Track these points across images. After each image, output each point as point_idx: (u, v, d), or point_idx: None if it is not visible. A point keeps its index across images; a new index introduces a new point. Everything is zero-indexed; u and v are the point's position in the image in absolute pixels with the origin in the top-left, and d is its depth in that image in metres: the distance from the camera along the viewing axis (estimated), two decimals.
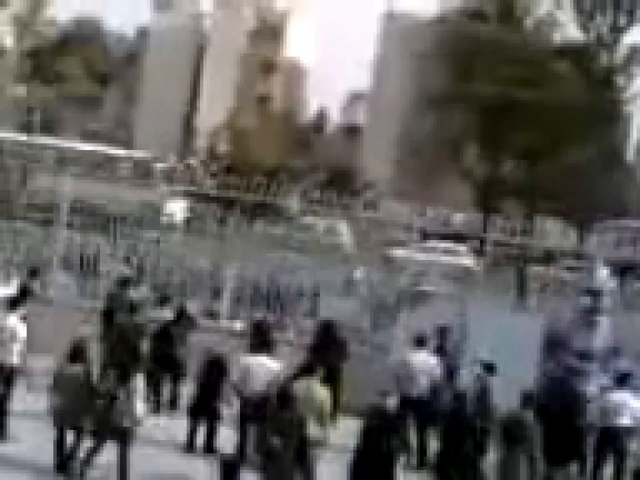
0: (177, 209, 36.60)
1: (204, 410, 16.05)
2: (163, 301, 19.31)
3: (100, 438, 13.68)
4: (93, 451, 13.70)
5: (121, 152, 58.33)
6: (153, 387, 17.42)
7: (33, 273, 20.23)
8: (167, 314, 18.55)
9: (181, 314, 18.32)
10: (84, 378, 13.83)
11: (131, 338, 17.23)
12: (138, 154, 57.93)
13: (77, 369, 13.89)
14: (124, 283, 19.50)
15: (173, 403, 17.77)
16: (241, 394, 15.30)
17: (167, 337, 17.85)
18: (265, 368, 15.33)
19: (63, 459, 13.75)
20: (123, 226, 23.55)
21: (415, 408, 16.44)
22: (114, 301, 18.94)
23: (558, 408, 14.57)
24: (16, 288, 18.75)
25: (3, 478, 13.45)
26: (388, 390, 13.86)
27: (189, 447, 15.96)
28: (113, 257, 23.34)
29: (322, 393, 14.01)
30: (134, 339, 17.22)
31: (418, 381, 16.84)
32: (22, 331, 15.33)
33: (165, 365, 17.70)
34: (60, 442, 13.78)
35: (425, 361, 17.02)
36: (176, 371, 17.75)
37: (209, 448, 15.94)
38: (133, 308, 18.14)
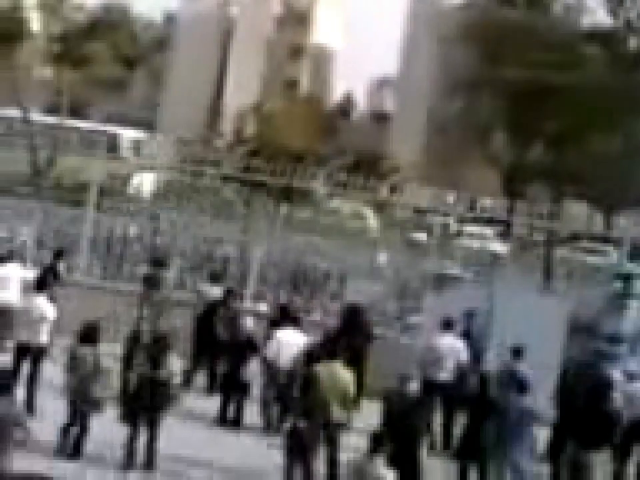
0: (146, 181, 36.48)
1: (234, 385, 16.38)
2: (214, 278, 19.57)
3: (133, 421, 13.62)
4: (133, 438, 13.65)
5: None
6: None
7: (59, 254, 20.19)
8: (216, 291, 18.79)
9: (229, 294, 18.39)
10: (94, 360, 13.75)
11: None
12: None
13: (88, 350, 13.81)
14: (158, 263, 19.55)
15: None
16: (273, 368, 15.68)
17: (212, 317, 17.90)
18: (295, 341, 15.95)
19: (75, 441, 13.73)
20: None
21: (440, 391, 16.44)
22: (150, 282, 18.84)
23: (585, 392, 14.45)
24: (42, 271, 18.89)
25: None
26: (408, 374, 13.79)
27: (221, 420, 16.37)
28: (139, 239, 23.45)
29: (345, 376, 13.96)
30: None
31: (444, 364, 16.80)
32: (50, 311, 15.48)
33: (208, 344, 17.80)
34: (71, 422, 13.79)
35: (452, 345, 16.97)
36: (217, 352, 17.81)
37: (237, 422, 16.35)
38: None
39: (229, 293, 18.42)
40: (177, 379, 13.78)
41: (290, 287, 21.75)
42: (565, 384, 15.41)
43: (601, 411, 14.05)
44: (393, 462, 11.64)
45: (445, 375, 16.68)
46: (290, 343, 15.98)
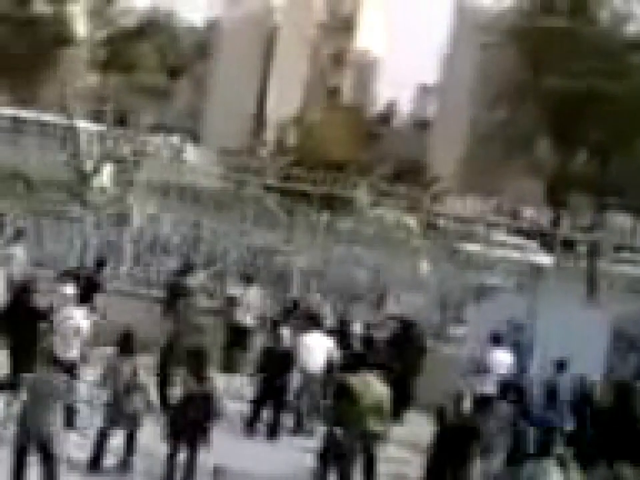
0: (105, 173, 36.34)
1: (272, 394, 16.40)
2: (248, 279, 19.68)
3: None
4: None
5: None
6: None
7: (100, 264, 20.14)
8: (252, 294, 18.85)
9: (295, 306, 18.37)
10: (131, 372, 13.50)
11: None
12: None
13: (126, 361, 13.53)
14: (184, 270, 19.49)
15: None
16: (305, 371, 15.81)
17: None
18: (321, 344, 16.19)
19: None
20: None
21: (488, 406, 16.32)
22: (174, 289, 18.75)
23: (629, 405, 14.36)
24: (83, 282, 18.90)
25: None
26: (462, 391, 13.73)
27: (252, 428, 16.36)
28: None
29: (380, 389, 13.95)
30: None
31: (493, 379, 16.68)
32: (85, 326, 15.30)
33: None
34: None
35: (502, 360, 16.88)
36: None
37: (273, 433, 16.27)
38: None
39: (294, 304, 18.42)
40: (220, 393, 13.66)
41: (332, 297, 21.75)
42: (616, 397, 15.27)
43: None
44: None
45: (491, 389, 16.57)
46: (315, 347, 16.12)
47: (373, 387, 13.89)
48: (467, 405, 13.39)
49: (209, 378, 13.31)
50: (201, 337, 16.83)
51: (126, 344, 13.73)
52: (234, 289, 20.04)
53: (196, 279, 19.85)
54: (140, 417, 13.47)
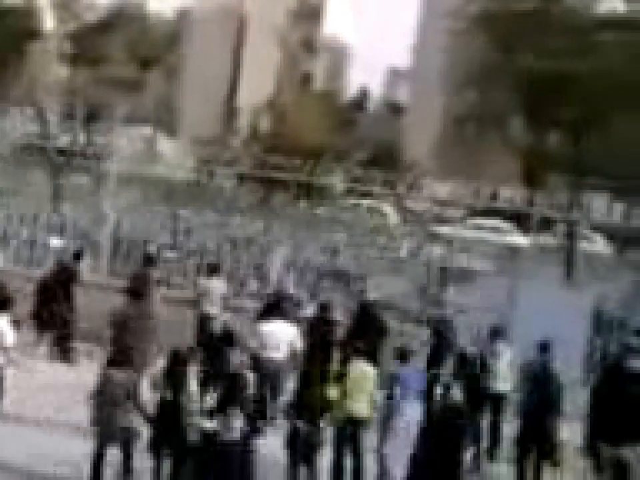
0: None
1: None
2: (213, 270, 19.46)
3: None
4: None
5: None
6: None
7: (77, 256, 19.67)
8: (217, 284, 18.64)
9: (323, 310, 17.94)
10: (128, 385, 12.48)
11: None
12: None
13: (121, 374, 12.58)
14: (149, 261, 19.24)
15: None
16: (259, 360, 15.41)
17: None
18: (284, 332, 15.81)
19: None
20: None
21: (492, 402, 16.12)
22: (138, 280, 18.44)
23: (618, 386, 14.25)
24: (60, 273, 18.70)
25: None
26: (450, 382, 13.62)
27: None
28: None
29: (371, 372, 14.00)
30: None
31: (498, 377, 16.24)
32: (9, 336, 13.65)
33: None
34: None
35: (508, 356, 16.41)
36: None
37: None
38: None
39: (322, 308, 18.06)
40: (197, 404, 12.36)
41: (311, 284, 21.69)
42: (601, 378, 15.16)
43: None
44: (434, 465, 11.59)
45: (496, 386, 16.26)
46: (277, 335, 15.80)
47: (366, 372, 13.88)
48: (456, 394, 13.24)
49: (186, 386, 12.37)
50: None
51: (124, 357, 12.97)
52: (204, 280, 19.75)
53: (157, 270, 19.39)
54: (137, 433, 12.52)
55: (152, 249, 22.11)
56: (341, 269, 22.05)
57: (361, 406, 13.82)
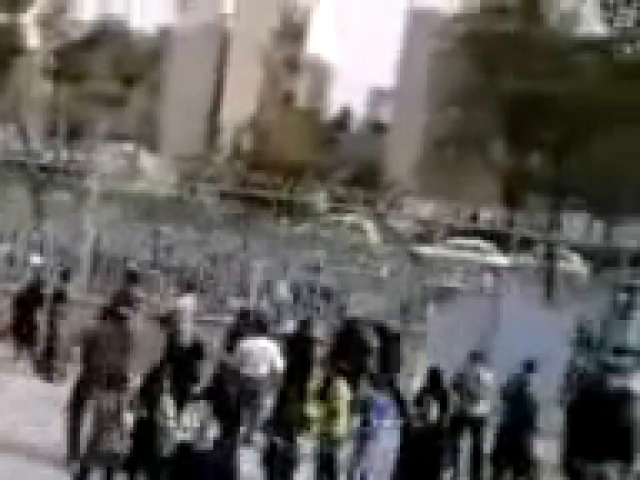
0: None
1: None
2: (188, 287, 19.37)
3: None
4: None
5: None
6: None
7: (65, 275, 19.71)
8: (187, 301, 18.55)
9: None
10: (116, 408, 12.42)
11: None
12: None
13: (112, 397, 12.46)
14: (132, 277, 19.17)
15: None
16: (238, 376, 15.39)
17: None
18: (264, 349, 15.68)
19: None
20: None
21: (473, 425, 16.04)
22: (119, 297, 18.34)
23: (595, 404, 14.30)
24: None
25: None
26: (429, 400, 13.50)
27: None
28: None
29: (345, 392, 13.96)
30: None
31: (479, 399, 16.16)
32: None
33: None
34: None
35: (487, 380, 16.34)
36: None
37: None
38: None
39: (303, 325, 17.96)
40: (172, 422, 12.33)
41: (292, 303, 21.71)
42: (580, 397, 15.19)
43: (618, 424, 13.84)
44: None
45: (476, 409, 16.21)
46: (258, 353, 15.67)
47: (341, 390, 13.85)
48: (434, 412, 13.15)
49: (161, 403, 12.32)
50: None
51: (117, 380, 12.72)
52: (175, 297, 19.64)
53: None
54: (119, 454, 12.33)
55: (132, 265, 22.06)
56: (321, 286, 22.07)
57: (338, 426, 13.76)
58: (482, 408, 15.95)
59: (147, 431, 12.08)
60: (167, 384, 12.56)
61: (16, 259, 22.71)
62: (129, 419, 12.27)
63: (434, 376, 15.59)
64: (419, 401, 13.94)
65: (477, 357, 16.34)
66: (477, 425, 15.91)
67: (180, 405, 14.80)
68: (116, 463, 12.22)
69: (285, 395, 13.71)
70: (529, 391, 15.21)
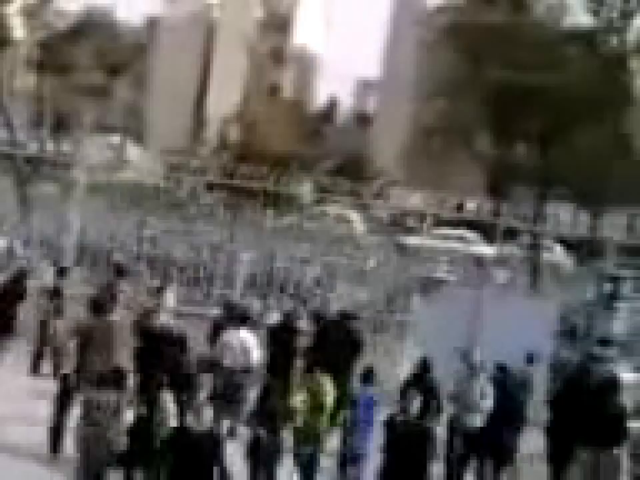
0: None
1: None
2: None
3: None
4: None
5: None
6: None
7: (62, 272, 19.28)
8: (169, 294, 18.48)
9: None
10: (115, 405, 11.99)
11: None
12: None
13: (110, 395, 12.01)
14: (119, 271, 18.99)
15: None
16: (219, 367, 15.43)
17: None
18: (243, 341, 15.64)
19: None
20: None
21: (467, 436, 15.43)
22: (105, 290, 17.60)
23: (583, 394, 14.32)
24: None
25: None
26: (413, 392, 13.09)
27: None
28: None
29: (329, 386, 13.77)
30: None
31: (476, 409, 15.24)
32: None
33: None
34: None
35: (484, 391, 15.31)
36: None
37: None
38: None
39: (286, 317, 17.80)
40: (172, 419, 12.11)
41: (277, 293, 21.70)
42: (567, 387, 15.18)
43: (611, 410, 13.86)
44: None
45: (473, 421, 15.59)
46: (236, 344, 15.65)
47: (324, 385, 13.68)
48: (415, 406, 12.81)
49: (160, 402, 12.11)
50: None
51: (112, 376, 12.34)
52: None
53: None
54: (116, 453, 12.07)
55: (118, 257, 22.02)
56: (306, 277, 22.09)
57: (321, 421, 13.52)
58: (478, 419, 15.06)
59: (146, 428, 11.96)
60: (165, 379, 12.47)
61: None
62: (127, 416, 12.07)
63: (423, 366, 15.48)
64: (403, 393, 13.88)
65: (475, 367, 15.22)
66: (472, 436, 15.11)
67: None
68: (112, 461, 12.03)
69: (267, 388, 13.66)
70: (516, 382, 15.25)
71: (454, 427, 14.97)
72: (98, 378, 12.37)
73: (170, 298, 18.44)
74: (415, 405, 12.73)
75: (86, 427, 11.92)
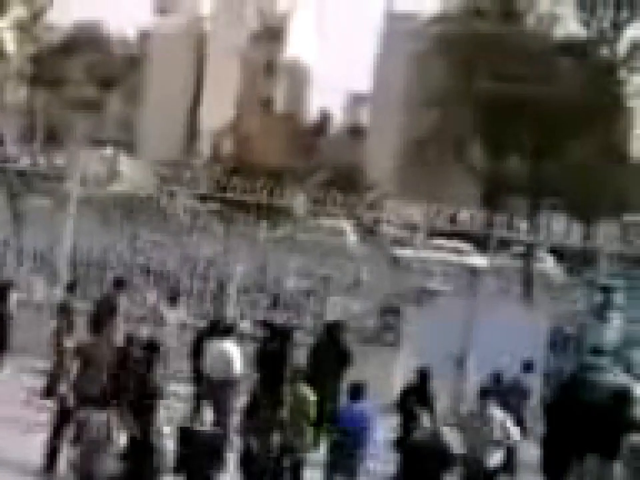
0: None
1: None
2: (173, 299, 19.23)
3: None
4: None
5: None
6: None
7: (71, 288, 18.88)
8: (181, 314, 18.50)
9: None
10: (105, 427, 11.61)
11: None
12: None
13: (99, 416, 11.56)
14: (119, 284, 18.91)
15: None
16: (207, 377, 15.48)
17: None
18: (226, 352, 15.59)
19: None
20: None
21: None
22: (104, 305, 17.77)
23: (575, 403, 14.28)
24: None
25: None
26: (417, 410, 12.88)
27: None
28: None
29: (311, 397, 13.62)
30: None
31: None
32: None
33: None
34: None
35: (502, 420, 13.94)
36: None
37: None
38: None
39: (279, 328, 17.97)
40: (170, 443, 11.86)
41: (271, 305, 21.71)
42: (563, 396, 15.12)
43: (610, 421, 13.77)
44: None
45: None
46: (221, 355, 15.66)
47: (305, 395, 13.59)
48: (424, 419, 12.57)
49: (155, 421, 11.76)
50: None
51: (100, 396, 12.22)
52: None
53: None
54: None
55: (115, 271, 22.01)
56: (299, 289, 22.10)
57: (304, 433, 13.38)
58: (498, 457, 13.40)
59: (140, 451, 11.50)
60: (160, 401, 12.31)
61: None
62: (121, 438, 11.62)
63: (421, 376, 15.28)
64: (402, 404, 13.81)
65: (486, 394, 13.65)
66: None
67: None
68: None
69: (256, 398, 13.68)
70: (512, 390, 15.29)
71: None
72: (92, 398, 12.21)
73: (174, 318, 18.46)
74: (424, 420, 12.53)
75: (77, 448, 11.65)
